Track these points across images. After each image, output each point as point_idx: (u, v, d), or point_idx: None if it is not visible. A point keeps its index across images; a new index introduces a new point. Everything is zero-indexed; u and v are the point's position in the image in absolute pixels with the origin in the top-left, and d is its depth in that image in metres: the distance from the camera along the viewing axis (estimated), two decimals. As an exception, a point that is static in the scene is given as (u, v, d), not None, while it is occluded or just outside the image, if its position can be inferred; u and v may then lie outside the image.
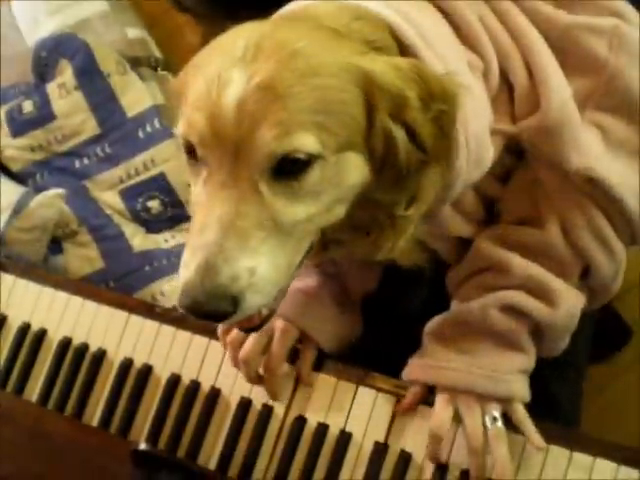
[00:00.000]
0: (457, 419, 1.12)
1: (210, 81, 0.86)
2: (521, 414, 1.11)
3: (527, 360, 1.14)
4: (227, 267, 0.84)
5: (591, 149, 1.08)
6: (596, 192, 1.09)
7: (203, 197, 0.88)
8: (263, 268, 0.86)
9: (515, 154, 1.15)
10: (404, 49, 0.98)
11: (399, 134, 0.91)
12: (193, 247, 0.86)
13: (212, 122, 0.85)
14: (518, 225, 1.15)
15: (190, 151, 0.90)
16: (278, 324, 1.23)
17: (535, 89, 1.08)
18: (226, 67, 0.86)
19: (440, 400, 1.13)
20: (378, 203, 0.98)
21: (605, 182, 1.07)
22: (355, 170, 0.91)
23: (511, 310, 1.11)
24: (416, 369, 1.17)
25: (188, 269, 0.86)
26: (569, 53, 1.10)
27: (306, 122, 0.84)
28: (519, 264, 1.12)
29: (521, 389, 1.12)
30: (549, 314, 1.11)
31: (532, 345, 1.14)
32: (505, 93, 1.11)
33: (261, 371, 1.23)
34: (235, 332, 1.23)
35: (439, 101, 0.92)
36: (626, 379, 1.93)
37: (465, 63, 1.04)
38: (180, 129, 0.90)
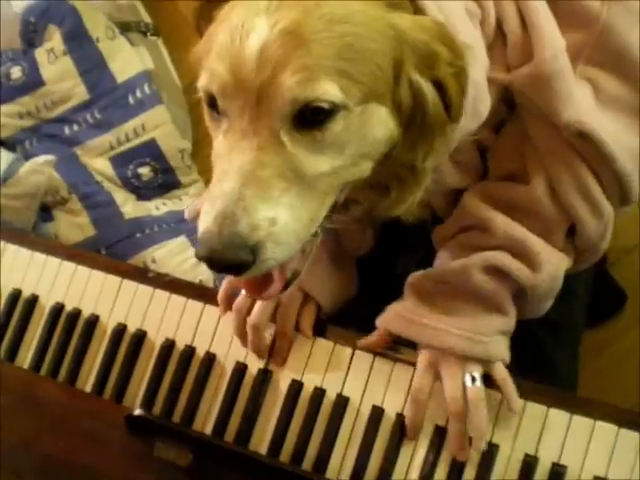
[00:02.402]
0: (439, 378, 1.12)
1: (233, 31, 0.84)
2: (502, 374, 1.11)
3: (507, 322, 1.13)
4: (246, 216, 0.82)
5: (582, 103, 1.06)
6: (586, 148, 1.07)
7: (224, 148, 0.86)
8: (283, 219, 0.84)
9: (509, 105, 1.14)
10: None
11: (429, 89, 0.90)
12: (212, 197, 0.84)
13: (234, 70, 0.84)
14: (505, 181, 1.14)
15: (211, 104, 0.89)
16: None
17: (528, 39, 1.06)
18: (250, 17, 0.84)
19: (421, 362, 1.13)
20: (399, 160, 0.97)
21: (595, 137, 1.05)
22: (381, 123, 0.90)
23: (493, 271, 1.10)
24: (394, 319, 1.16)
25: (207, 218, 0.83)
26: (564, 6, 1.08)
27: (330, 69, 0.83)
28: (501, 223, 1.11)
29: (500, 350, 1.11)
30: (531, 276, 1.10)
31: (513, 307, 1.13)
32: (501, 42, 1.09)
33: (267, 339, 1.23)
34: (241, 298, 1.22)
35: (459, 58, 0.91)
36: (621, 344, 1.93)
37: (464, 12, 1.02)
38: (201, 81, 0.88)
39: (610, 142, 1.06)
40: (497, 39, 1.08)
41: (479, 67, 1.01)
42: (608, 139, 1.05)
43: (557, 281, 1.13)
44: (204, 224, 0.84)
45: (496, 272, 1.10)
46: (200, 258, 0.84)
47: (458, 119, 0.96)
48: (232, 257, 0.83)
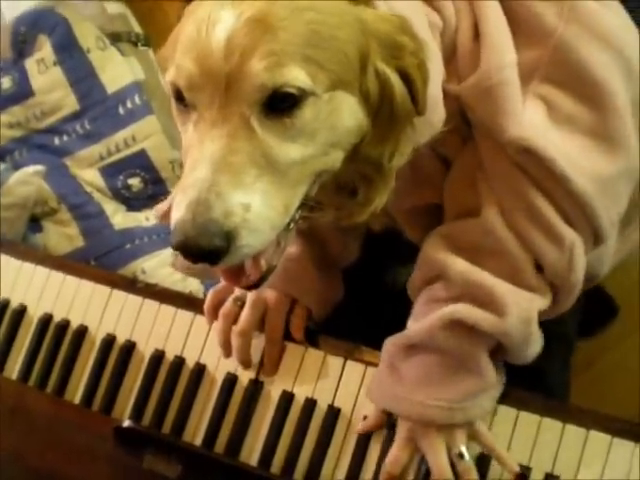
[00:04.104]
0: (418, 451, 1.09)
1: (200, 24, 0.84)
2: (488, 440, 1.08)
3: (484, 380, 1.07)
4: (220, 202, 0.81)
5: (531, 121, 1.01)
6: (533, 166, 1.01)
7: (194, 139, 0.85)
8: (257, 205, 0.83)
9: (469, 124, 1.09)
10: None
11: (395, 79, 0.91)
12: (184, 186, 0.83)
13: (201, 61, 0.83)
14: (463, 218, 1.09)
15: (179, 97, 0.88)
16: (269, 295, 1.22)
17: (479, 50, 1.04)
18: (216, 9, 0.84)
19: (400, 435, 1.10)
20: (366, 158, 0.96)
21: (542, 154, 0.99)
22: (349, 112, 0.90)
23: (458, 326, 1.04)
24: (375, 391, 1.13)
25: (180, 207, 0.82)
26: (521, 21, 1.05)
27: (297, 55, 0.83)
28: (459, 269, 1.05)
29: (480, 411, 1.08)
30: (497, 323, 1.03)
31: (489, 363, 1.07)
32: (456, 54, 1.07)
33: (256, 349, 1.22)
34: (229, 304, 1.22)
35: (421, 50, 0.92)
36: (613, 355, 1.93)
37: (422, 17, 1.01)
38: (169, 76, 0.88)
39: (561, 160, 1.00)
40: (454, 50, 1.07)
41: (435, 77, 0.99)
42: (559, 157, 1.00)
43: (531, 325, 1.06)
44: (178, 213, 0.82)
45: (460, 327, 1.05)
46: (175, 247, 0.83)
47: (424, 111, 0.95)
48: (207, 243, 0.81)
